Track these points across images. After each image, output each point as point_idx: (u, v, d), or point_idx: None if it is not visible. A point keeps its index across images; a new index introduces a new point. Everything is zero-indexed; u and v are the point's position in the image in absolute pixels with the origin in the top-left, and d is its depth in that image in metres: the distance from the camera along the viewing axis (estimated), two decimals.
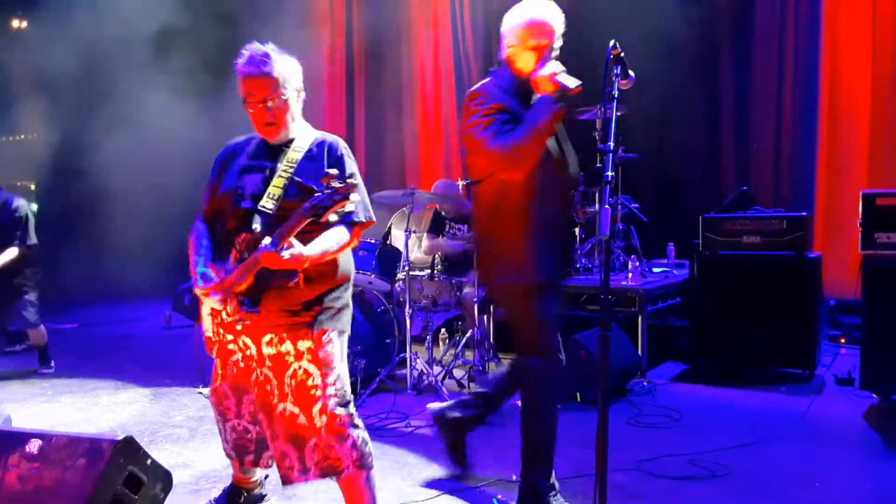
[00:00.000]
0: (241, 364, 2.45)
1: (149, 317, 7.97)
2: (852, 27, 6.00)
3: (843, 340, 5.54)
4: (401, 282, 4.65)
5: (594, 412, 2.38)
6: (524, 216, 2.59)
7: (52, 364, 5.35)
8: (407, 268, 4.51)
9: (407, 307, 4.46)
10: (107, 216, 8.22)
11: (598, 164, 1.96)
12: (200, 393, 4.56)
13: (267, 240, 2.14)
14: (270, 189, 2.29)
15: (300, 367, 2.32)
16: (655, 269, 5.69)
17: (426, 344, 4.78)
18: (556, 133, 2.66)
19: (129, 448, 2.56)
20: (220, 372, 2.53)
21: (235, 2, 8.17)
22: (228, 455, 2.63)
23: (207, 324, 2.47)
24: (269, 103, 2.29)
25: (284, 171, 2.31)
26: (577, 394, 4.30)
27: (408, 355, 4.45)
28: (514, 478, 3.15)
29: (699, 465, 3.26)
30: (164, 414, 4.21)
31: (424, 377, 4.48)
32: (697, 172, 6.94)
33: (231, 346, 2.45)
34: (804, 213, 4.76)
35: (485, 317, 5.07)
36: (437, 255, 5.10)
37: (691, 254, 5.16)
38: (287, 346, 2.32)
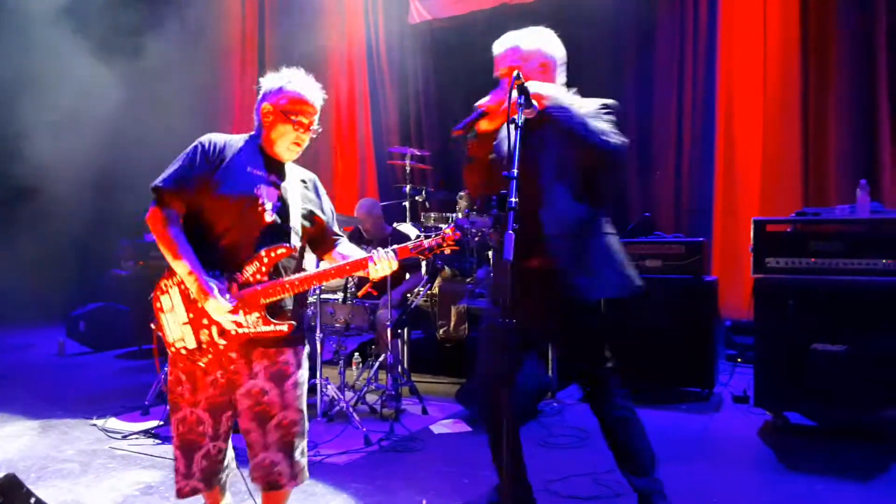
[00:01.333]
0: (222, 380, 2.32)
1: (39, 343, 7.49)
2: (745, 61, 6.42)
3: (738, 360, 5.83)
4: (312, 305, 4.56)
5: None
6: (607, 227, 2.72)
7: None
8: (318, 291, 4.44)
9: (318, 331, 4.38)
10: None
11: (503, 191, 2.00)
12: (94, 425, 4.30)
13: (385, 251, 2.33)
14: (294, 210, 2.38)
15: (299, 376, 2.37)
16: None
17: (339, 369, 4.70)
18: None
19: (10, 486, 2.41)
20: (189, 397, 2.34)
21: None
22: (195, 489, 2.39)
23: (189, 338, 2.28)
24: (310, 129, 2.43)
25: (301, 197, 2.44)
26: None
27: (318, 381, 4.37)
28: (423, 502, 3.13)
29: (604, 484, 3.34)
30: (54, 448, 3.95)
31: (336, 403, 4.39)
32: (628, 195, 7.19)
33: (206, 364, 2.30)
34: (701, 239, 5.00)
35: (398, 340, 5.04)
36: (350, 278, 5.05)
37: None
38: (286, 357, 2.34)
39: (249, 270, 2.26)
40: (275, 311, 2.30)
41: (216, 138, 2.37)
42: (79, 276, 8.33)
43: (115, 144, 7.66)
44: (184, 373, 2.34)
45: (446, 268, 5.81)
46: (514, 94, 2.20)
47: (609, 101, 2.63)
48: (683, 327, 4.78)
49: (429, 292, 5.50)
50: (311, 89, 2.43)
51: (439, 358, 5.62)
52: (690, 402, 4.79)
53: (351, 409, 4.23)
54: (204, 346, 2.27)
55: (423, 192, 6.83)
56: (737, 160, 6.48)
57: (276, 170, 2.41)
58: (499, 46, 2.77)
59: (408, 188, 6.84)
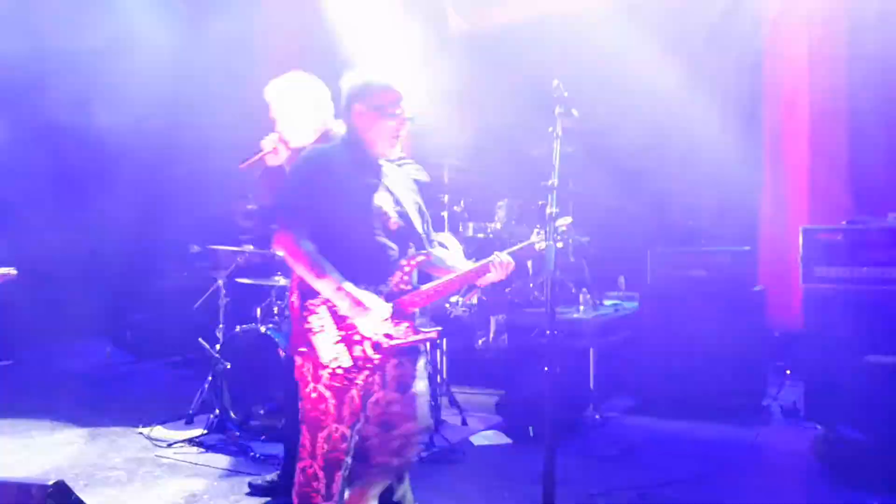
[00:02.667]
0: (361, 392, 2.25)
1: (86, 352, 7.68)
2: (791, 64, 6.27)
3: (788, 372, 5.66)
4: None
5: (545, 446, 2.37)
6: None
7: None
8: None
9: None
10: (45, 244, 7.95)
11: (543, 201, 1.98)
12: (141, 433, 4.38)
13: (502, 254, 2.26)
14: (411, 209, 2.35)
15: (419, 384, 2.38)
16: (606, 302, 5.75)
17: None
18: None
19: (60, 493, 2.45)
20: (334, 414, 2.21)
21: None
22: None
23: (344, 357, 2.18)
24: (406, 119, 2.34)
25: (409, 191, 2.41)
26: (530, 428, 4.28)
27: None
28: None
29: (649, 498, 3.26)
30: (102, 456, 4.03)
31: None
32: (647, 207, 7.09)
33: (366, 378, 2.25)
34: (748, 248, 4.88)
35: (437, 351, 5.03)
36: None
37: (640, 287, 5.24)
38: (410, 367, 2.35)
39: (393, 281, 2.23)
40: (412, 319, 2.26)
41: (318, 153, 2.32)
42: (125, 285, 8.53)
43: (162, 155, 7.86)
44: (328, 389, 2.21)
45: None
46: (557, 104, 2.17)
47: None
48: (730, 338, 4.67)
49: (468, 302, 5.48)
50: (395, 78, 2.37)
51: (479, 369, 5.59)
52: (739, 414, 4.66)
53: None
54: (360, 362, 2.19)
55: (462, 202, 6.82)
56: (784, 167, 6.32)
57: (381, 171, 2.37)
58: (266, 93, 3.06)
59: (446, 198, 6.83)
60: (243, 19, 7.94)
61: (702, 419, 4.58)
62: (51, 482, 2.43)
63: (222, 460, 3.89)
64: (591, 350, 4.91)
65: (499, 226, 6.07)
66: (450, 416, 4.69)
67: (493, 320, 5.33)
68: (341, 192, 2.22)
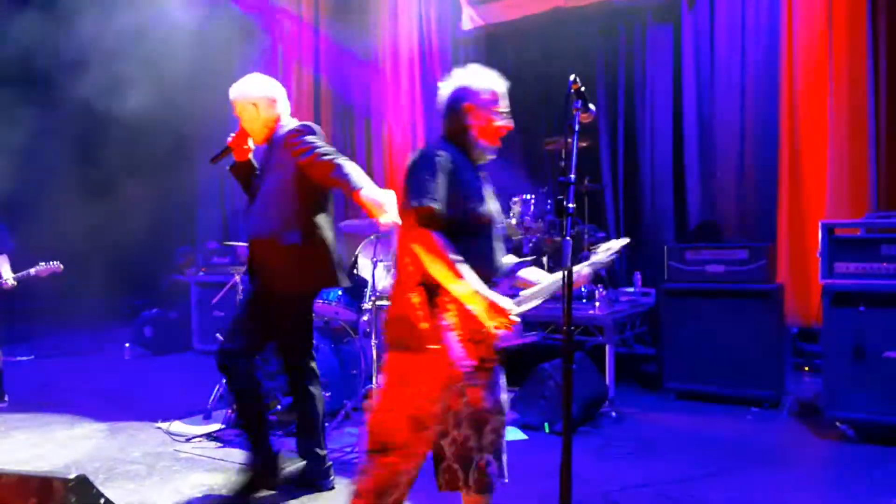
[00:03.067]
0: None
1: (106, 347, 7.77)
2: (810, 58, 6.19)
3: (806, 368, 5.62)
4: (368, 312, 4.60)
5: (561, 442, 2.36)
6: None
7: (6, 398, 5.16)
8: (374, 297, 4.47)
9: (373, 338, 4.41)
10: (66, 238, 8.04)
11: (560, 196, 1.97)
12: (159, 428, 4.43)
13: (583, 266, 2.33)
14: (498, 210, 2.37)
15: (502, 382, 2.41)
16: (622, 298, 5.72)
17: None
18: None
19: (81, 487, 2.47)
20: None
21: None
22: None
23: (471, 356, 2.19)
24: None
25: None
26: (546, 424, 4.28)
27: (374, 386, 4.39)
28: None
29: (667, 495, 3.25)
30: (121, 450, 4.08)
31: None
32: (664, 202, 7.05)
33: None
34: (766, 243, 4.84)
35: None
36: None
37: (657, 282, 5.22)
38: (496, 366, 2.39)
39: (502, 284, 2.24)
40: None
41: (440, 152, 2.23)
42: (143, 281, 8.62)
43: (177, 148, 7.92)
44: (448, 388, 2.23)
45: None
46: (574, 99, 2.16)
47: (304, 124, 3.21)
48: (748, 334, 4.64)
49: None
50: (498, 78, 2.43)
51: None
52: (756, 411, 4.63)
53: None
54: (482, 362, 2.23)
55: None
56: (802, 161, 6.24)
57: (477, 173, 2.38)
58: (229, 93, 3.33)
59: None
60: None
61: (720, 415, 4.55)
62: (72, 476, 2.46)
63: (240, 455, 3.91)
64: (608, 346, 4.90)
65: (514, 222, 6.05)
66: None
67: None
68: (469, 193, 2.21)
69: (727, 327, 4.70)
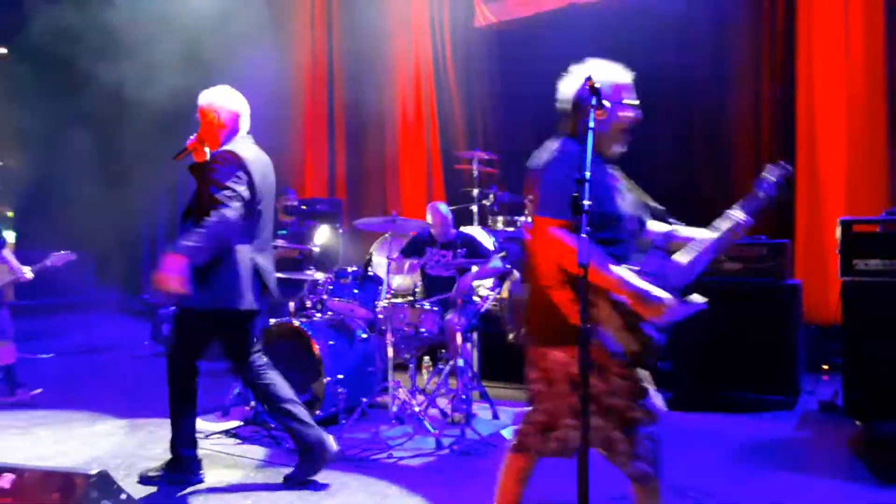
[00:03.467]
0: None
1: (125, 344, 7.86)
2: (826, 54, 6.14)
3: (824, 367, 5.57)
4: (383, 309, 4.62)
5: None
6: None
7: (21, 392, 5.22)
8: (389, 295, 4.49)
9: (389, 335, 4.43)
10: (85, 239, 8.15)
11: (575, 193, 1.97)
12: None
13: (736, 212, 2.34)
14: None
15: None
16: None
17: (409, 372, 4.75)
18: None
19: (103, 482, 2.52)
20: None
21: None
22: None
23: (641, 340, 2.26)
24: None
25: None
26: None
27: (390, 384, 4.41)
28: None
29: (683, 494, 3.24)
30: (142, 446, 4.13)
31: (407, 406, 4.43)
32: (677, 201, 6.99)
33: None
34: (784, 241, 4.80)
35: (468, 345, 5.04)
36: (418, 283, 5.10)
37: None
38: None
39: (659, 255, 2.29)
40: None
41: (575, 150, 2.24)
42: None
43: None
44: (619, 376, 2.29)
45: (515, 271, 5.77)
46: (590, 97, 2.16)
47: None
48: (766, 333, 4.62)
49: (498, 296, 5.48)
50: (623, 70, 2.45)
51: (510, 363, 5.58)
52: (774, 410, 4.60)
53: (423, 413, 4.25)
54: (647, 349, 2.27)
55: (491, 196, 6.82)
56: (819, 157, 6.20)
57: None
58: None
59: (475, 192, 6.84)
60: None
61: (737, 414, 4.53)
62: (94, 472, 2.50)
63: (258, 451, 3.96)
64: None
65: (529, 219, 6.05)
66: (481, 410, 4.71)
67: (524, 314, 5.31)
68: (599, 192, 2.21)
69: (744, 325, 4.66)
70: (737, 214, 2.38)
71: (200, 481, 3.50)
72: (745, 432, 4.20)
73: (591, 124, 2.10)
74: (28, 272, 5.19)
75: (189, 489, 3.43)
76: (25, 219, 9.39)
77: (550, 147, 2.36)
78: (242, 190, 3.31)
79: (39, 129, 7.75)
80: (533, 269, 2.37)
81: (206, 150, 3.55)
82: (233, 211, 3.25)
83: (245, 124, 3.59)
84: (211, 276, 3.30)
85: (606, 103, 2.21)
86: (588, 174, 1.98)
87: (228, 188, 3.27)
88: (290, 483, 3.43)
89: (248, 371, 3.53)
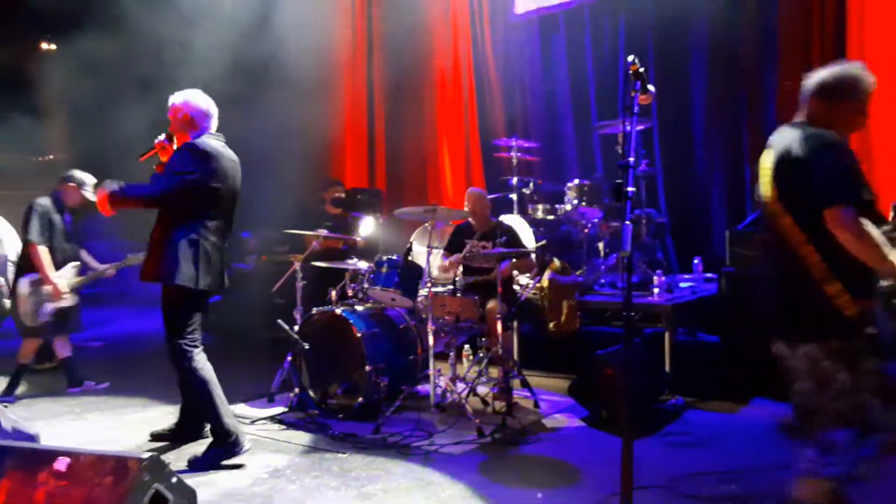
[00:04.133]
0: None
1: None
2: (878, 38, 5.91)
3: None
4: (423, 298, 4.64)
5: (620, 430, 2.35)
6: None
7: (86, 384, 5.41)
8: (429, 284, 4.50)
9: (429, 323, 4.45)
10: (137, 230, 8.34)
11: (619, 180, 1.94)
12: None
13: None
14: None
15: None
16: (682, 284, 5.61)
17: (450, 361, 4.76)
18: None
19: (155, 466, 2.57)
20: None
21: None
22: None
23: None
24: None
25: None
26: (603, 411, 4.24)
27: (431, 372, 4.43)
28: (538, 495, 3.12)
29: (730, 484, 3.19)
30: None
31: (448, 394, 4.45)
32: (724, 185, 6.86)
33: None
34: None
35: (508, 333, 5.03)
36: (458, 272, 5.10)
37: (718, 268, 5.09)
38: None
39: None
40: None
41: (843, 140, 2.35)
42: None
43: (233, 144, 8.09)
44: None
45: (556, 260, 5.73)
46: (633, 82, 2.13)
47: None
48: None
49: (538, 285, 5.45)
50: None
51: (550, 352, 5.57)
52: None
53: (464, 401, 4.27)
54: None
55: (531, 184, 6.77)
56: (872, 139, 5.98)
57: None
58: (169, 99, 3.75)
59: (514, 180, 6.80)
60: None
61: (785, 405, 4.42)
62: (146, 455, 2.57)
63: (303, 437, 4.03)
64: (667, 334, 4.81)
65: (569, 207, 5.99)
66: (522, 399, 4.71)
67: (564, 303, 5.28)
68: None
69: None
70: None
71: (244, 450, 3.64)
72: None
73: (636, 109, 2.07)
74: (110, 269, 5.41)
75: (237, 473, 3.51)
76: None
77: (799, 135, 2.32)
78: (189, 178, 3.54)
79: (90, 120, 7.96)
80: (791, 261, 2.32)
81: (175, 147, 3.76)
82: (165, 188, 3.53)
83: (214, 124, 3.81)
84: (161, 255, 3.60)
85: (651, 87, 2.17)
86: (632, 160, 1.95)
87: (176, 173, 3.53)
88: (194, 466, 3.57)
89: (174, 349, 3.78)
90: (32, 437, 3.63)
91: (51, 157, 10.21)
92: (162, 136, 3.77)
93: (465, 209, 5.27)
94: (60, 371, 5.44)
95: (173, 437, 4.03)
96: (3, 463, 2.68)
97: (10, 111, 8.53)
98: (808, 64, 6.32)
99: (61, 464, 2.60)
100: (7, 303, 5.99)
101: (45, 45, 10.01)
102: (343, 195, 6.62)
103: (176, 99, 3.76)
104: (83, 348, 6.91)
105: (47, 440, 3.88)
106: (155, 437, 4.07)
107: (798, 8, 6.39)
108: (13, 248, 5.96)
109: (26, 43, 9.78)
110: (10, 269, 6.02)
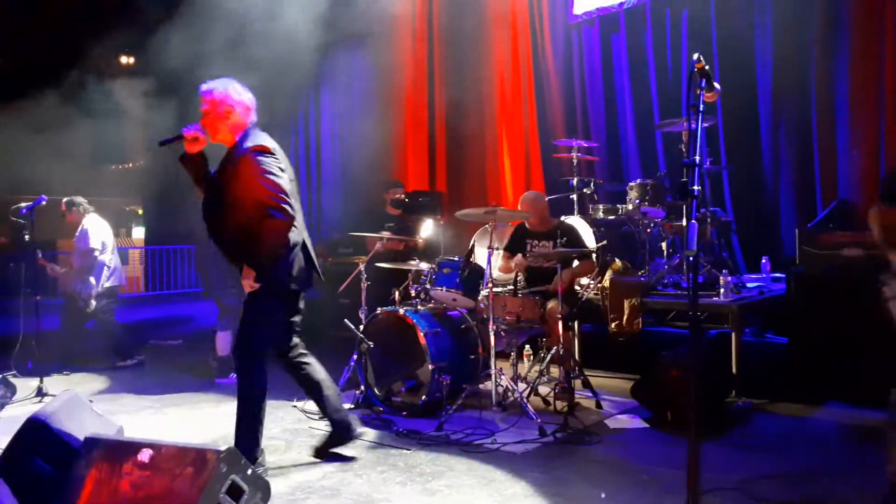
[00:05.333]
0: None
1: None
2: None
3: None
4: (484, 298, 4.68)
5: (685, 432, 2.34)
6: None
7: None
8: (490, 284, 4.54)
9: (491, 323, 4.49)
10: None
11: (684, 178, 1.95)
12: (295, 406, 4.73)
13: None
14: None
15: None
16: (750, 284, 5.48)
17: (511, 360, 4.79)
18: None
19: (232, 458, 2.70)
20: None
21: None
22: None
23: None
24: None
25: None
26: (668, 413, 4.19)
27: (492, 371, 4.48)
28: (602, 495, 3.12)
29: (798, 488, 3.12)
30: None
31: (510, 393, 4.48)
32: (792, 182, 6.65)
33: None
34: None
35: (570, 332, 5.02)
36: (519, 272, 5.12)
37: (787, 267, 4.96)
38: None
39: None
40: None
41: None
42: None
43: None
44: None
45: (617, 260, 5.69)
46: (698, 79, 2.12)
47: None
48: (889, 325, 4.31)
49: (599, 285, 5.43)
50: None
51: (612, 352, 5.53)
52: None
53: (525, 400, 4.29)
54: None
55: (591, 185, 6.73)
56: None
57: None
58: (202, 88, 3.47)
59: (575, 181, 6.77)
60: None
61: (858, 408, 4.28)
62: (223, 448, 2.70)
63: (369, 433, 4.12)
64: (733, 334, 4.72)
65: (630, 207, 5.93)
66: (584, 399, 4.70)
67: (626, 303, 5.23)
68: None
69: (865, 315, 4.38)
70: None
71: (358, 436, 3.74)
72: (865, 426, 3.97)
73: (701, 105, 2.06)
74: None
75: (307, 467, 3.63)
76: (154, 215, 10.10)
77: None
78: (285, 185, 3.36)
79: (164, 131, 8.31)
80: None
81: (207, 139, 3.48)
82: (284, 214, 3.32)
83: (254, 116, 3.57)
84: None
85: (717, 85, 2.16)
86: (698, 158, 1.95)
87: (278, 190, 3.31)
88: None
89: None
90: (117, 430, 3.84)
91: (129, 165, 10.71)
92: (196, 127, 3.44)
93: (521, 211, 5.29)
94: (139, 368, 5.72)
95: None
96: (91, 453, 2.86)
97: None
98: (880, 53, 6.13)
99: (145, 455, 2.76)
100: (94, 304, 6.37)
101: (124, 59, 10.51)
102: (403, 196, 6.72)
103: (215, 92, 3.46)
104: (164, 346, 7.25)
105: (130, 433, 4.09)
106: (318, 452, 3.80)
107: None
108: (108, 253, 6.39)
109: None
110: (105, 274, 6.42)
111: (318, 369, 3.79)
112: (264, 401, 3.57)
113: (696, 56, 2.16)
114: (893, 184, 4.02)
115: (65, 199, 6.53)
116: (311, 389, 3.77)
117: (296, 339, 3.77)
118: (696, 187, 1.94)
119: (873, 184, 6.19)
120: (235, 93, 3.49)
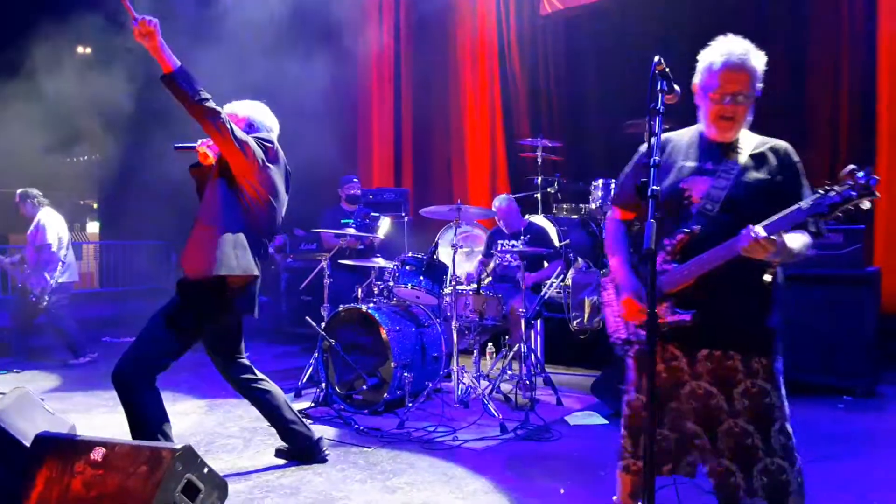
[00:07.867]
0: (664, 374, 2.24)
1: None
2: None
3: None
4: (448, 296, 4.69)
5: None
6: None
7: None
8: (454, 282, 4.55)
9: (453, 321, 4.50)
10: (167, 228, 8.51)
11: (643, 179, 1.97)
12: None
13: (758, 228, 1.98)
14: (713, 192, 2.19)
15: (750, 385, 2.19)
16: None
17: (473, 358, 4.81)
18: None
19: (187, 457, 2.65)
20: (636, 382, 2.35)
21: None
22: (639, 469, 2.33)
23: (622, 330, 2.34)
24: (739, 97, 2.19)
25: (728, 172, 2.21)
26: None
27: (455, 369, 4.48)
28: (561, 491, 3.15)
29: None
30: (220, 424, 4.33)
31: (472, 391, 4.50)
32: None
33: (638, 356, 2.31)
34: (862, 226, 4.62)
35: (531, 330, 5.06)
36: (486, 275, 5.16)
37: None
38: (733, 363, 2.19)
39: (659, 262, 2.16)
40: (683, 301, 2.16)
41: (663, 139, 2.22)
42: None
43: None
44: (634, 360, 2.33)
45: (579, 259, 5.76)
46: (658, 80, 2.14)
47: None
48: (842, 321, 4.46)
49: (562, 283, 5.48)
50: (732, 56, 2.22)
51: (573, 350, 5.60)
52: (850, 399, 4.46)
53: (487, 398, 4.31)
54: (631, 337, 2.30)
55: (556, 184, 6.79)
56: None
57: (716, 154, 2.25)
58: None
59: (539, 180, 6.82)
60: None
61: (810, 404, 4.40)
62: (179, 446, 2.65)
63: (329, 431, 4.10)
64: None
65: (594, 206, 6.00)
66: (545, 396, 4.74)
67: (587, 301, 5.30)
68: (662, 172, 2.32)
69: (819, 314, 4.52)
70: (756, 230, 2.00)
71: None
72: (821, 422, 4.08)
73: (661, 107, 2.09)
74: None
75: (268, 467, 3.58)
76: (109, 209, 9.86)
77: None
78: (255, 147, 3.22)
79: (123, 122, 8.13)
80: None
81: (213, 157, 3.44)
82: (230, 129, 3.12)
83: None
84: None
85: (676, 87, 2.18)
86: (656, 159, 1.98)
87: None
88: None
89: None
90: (69, 429, 3.74)
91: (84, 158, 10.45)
92: (208, 144, 3.39)
93: (496, 213, 5.37)
94: (92, 365, 5.59)
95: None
96: (42, 452, 2.78)
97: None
98: (837, 65, 6.30)
99: (97, 453, 2.69)
100: (47, 300, 6.20)
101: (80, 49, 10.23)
102: (358, 192, 6.66)
103: (240, 114, 3.45)
104: (118, 343, 7.10)
105: (82, 432, 4.00)
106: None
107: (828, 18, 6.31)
108: (63, 248, 6.23)
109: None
110: (59, 270, 6.25)
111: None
112: None
113: (656, 58, 2.18)
114: None
115: (19, 191, 6.34)
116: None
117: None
118: (654, 187, 1.96)
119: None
120: (260, 116, 3.49)
